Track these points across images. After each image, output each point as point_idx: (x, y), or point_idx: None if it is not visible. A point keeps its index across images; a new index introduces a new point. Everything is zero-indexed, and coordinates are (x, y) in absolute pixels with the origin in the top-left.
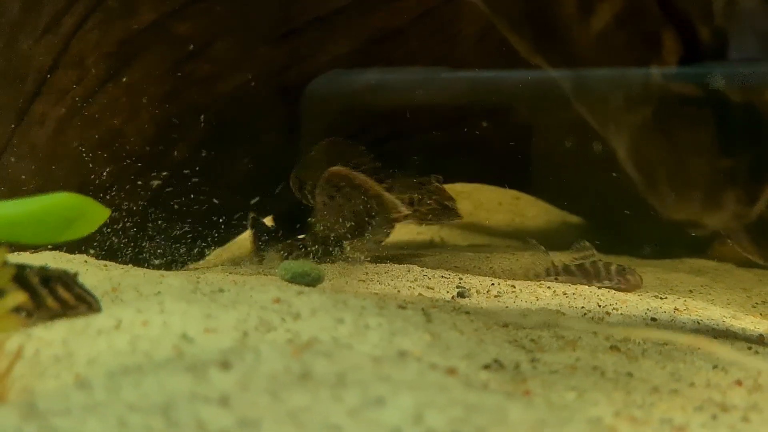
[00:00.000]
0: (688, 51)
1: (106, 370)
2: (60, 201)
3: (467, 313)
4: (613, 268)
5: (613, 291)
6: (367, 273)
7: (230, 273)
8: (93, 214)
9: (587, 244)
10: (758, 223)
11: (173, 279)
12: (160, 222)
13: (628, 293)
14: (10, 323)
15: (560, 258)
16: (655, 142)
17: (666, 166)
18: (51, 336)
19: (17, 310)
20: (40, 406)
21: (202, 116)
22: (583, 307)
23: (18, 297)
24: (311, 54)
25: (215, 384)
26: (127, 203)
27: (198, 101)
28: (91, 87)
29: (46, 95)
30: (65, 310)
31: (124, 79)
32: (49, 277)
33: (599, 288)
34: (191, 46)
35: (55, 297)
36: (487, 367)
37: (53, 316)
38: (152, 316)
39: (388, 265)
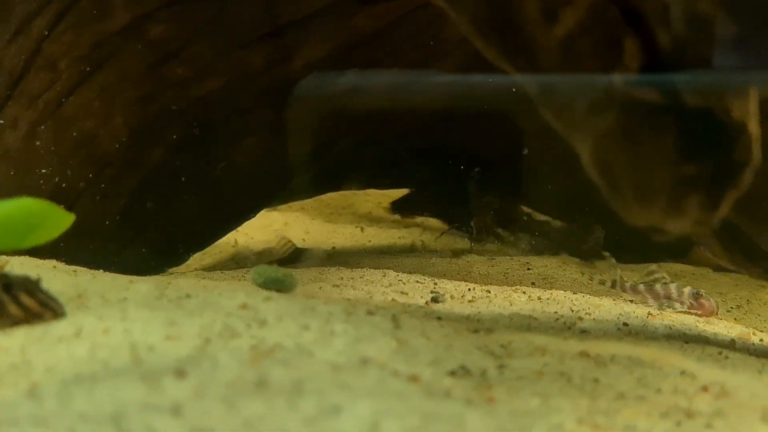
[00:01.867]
0: (649, 58)
1: (60, 379)
2: (22, 206)
3: (439, 318)
4: (686, 291)
5: (587, 296)
6: (342, 278)
7: (203, 278)
8: (56, 219)
9: (657, 267)
10: (727, 229)
11: (141, 285)
12: (136, 226)
13: (603, 298)
14: None
15: (630, 276)
16: (617, 148)
17: (629, 172)
18: (8, 343)
19: None
20: None
21: (178, 120)
22: (555, 312)
23: None
24: (288, 57)
25: (169, 393)
26: (101, 207)
27: (173, 104)
28: (64, 90)
29: (17, 99)
30: (28, 318)
31: (98, 83)
32: (11, 284)
33: (674, 313)
34: (166, 49)
35: (17, 304)
36: (453, 373)
37: (16, 323)
38: (114, 323)
39: (365, 270)
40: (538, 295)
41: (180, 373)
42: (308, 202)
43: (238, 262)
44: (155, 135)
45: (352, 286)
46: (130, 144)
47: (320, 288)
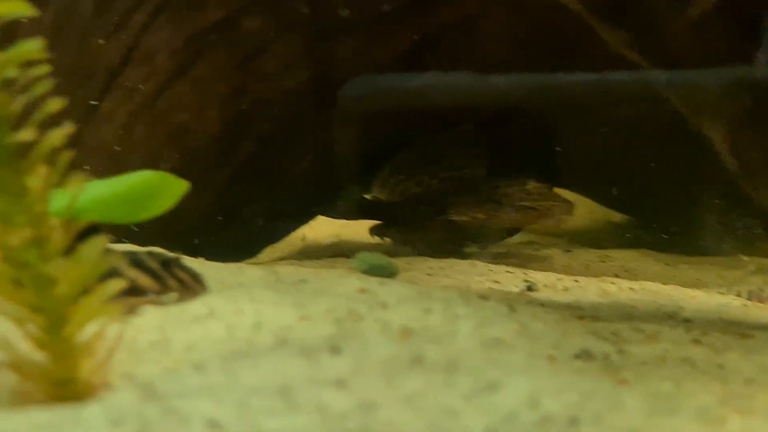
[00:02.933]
0: None
1: (217, 355)
2: (144, 178)
3: (542, 305)
4: None
5: (677, 287)
6: (431, 268)
7: (300, 266)
8: (172, 188)
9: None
10: None
11: (252, 271)
12: (221, 219)
13: (695, 290)
14: (113, 310)
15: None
16: (753, 132)
17: (762, 155)
18: (146, 323)
19: (143, 293)
20: (158, 388)
21: (267, 113)
22: (654, 301)
23: (118, 284)
24: (373, 50)
25: (329, 368)
26: (191, 201)
27: (264, 97)
28: (160, 84)
29: (114, 92)
30: (183, 291)
31: (192, 76)
32: (168, 260)
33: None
34: (258, 42)
35: (175, 278)
36: (577, 356)
37: (176, 296)
38: (244, 304)
39: (451, 260)
40: (628, 285)
41: (335, 349)
42: None
43: (307, 255)
44: (245, 128)
45: (445, 275)
46: (222, 137)
47: (414, 277)
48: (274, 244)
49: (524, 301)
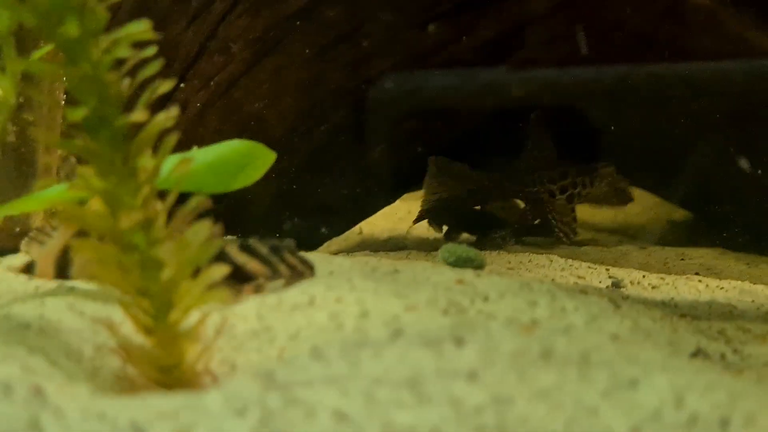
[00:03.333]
0: None
1: (327, 344)
2: (234, 148)
3: (639, 302)
4: None
5: None
6: (509, 262)
7: (380, 258)
8: (261, 158)
9: None
10: None
11: (342, 260)
12: (288, 208)
13: None
14: (219, 295)
15: None
16: None
17: None
18: (245, 311)
19: (254, 278)
20: (278, 377)
21: (344, 102)
22: (753, 301)
23: (221, 270)
24: (457, 39)
25: (456, 360)
26: (261, 188)
27: (341, 86)
28: (236, 73)
29: (190, 81)
30: (293, 275)
31: (270, 65)
32: (278, 246)
33: None
34: (338, 31)
35: (285, 264)
36: (693, 355)
37: (287, 281)
38: (343, 293)
39: (527, 254)
40: (717, 284)
41: (459, 341)
42: None
43: (366, 249)
44: (321, 117)
45: (526, 269)
46: (296, 126)
47: (496, 270)
48: (336, 238)
49: (619, 297)
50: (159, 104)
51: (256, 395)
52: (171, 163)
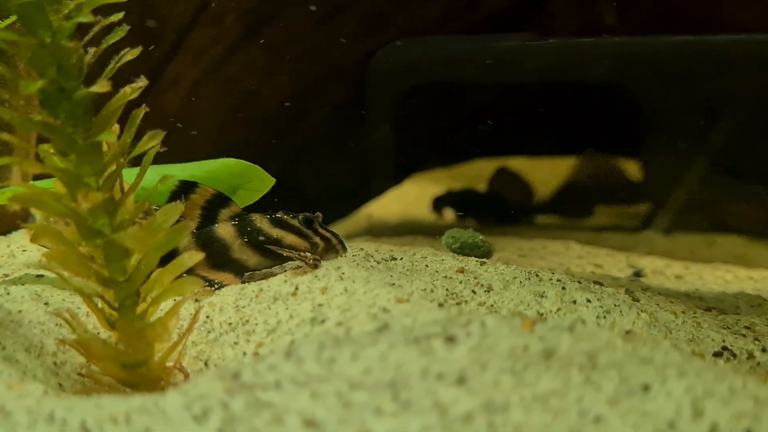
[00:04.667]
0: None
1: (308, 341)
2: (228, 167)
3: (660, 293)
4: None
5: None
6: (521, 248)
7: (378, 243)
8: (258, 182)
9: None
10: None
11: None
12: (286, 190)
13: None
14: (189, 286)
15: None
16: None
17: None
18: (222, 301)
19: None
20: (245, 377)
21: (344, 77)
22: None
23: (195, 257)
24: (469, 8)
25: (445, 360)
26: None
27: (341, 61)
28: (229, 47)
29: (181, 56)
30: (327, 249)
31: (264, 39)
32: (309, 218)
33: None
34: (337, 1)
35: (320, 236)
36: (718, 354)
37: (323, 253)
38: (331, 282)
39: (542, 240)
40: (746, 274)
41: (449, 338)
42: (441, 174)
43: (375, 233)
44: (319, 94)
45: (539, 256)
46: (293, 103)
47: (506, 258)
48: (340, 221)
49: (639, 288)
50: (149, 80)
51: (218, 398)
52: (153, 177)
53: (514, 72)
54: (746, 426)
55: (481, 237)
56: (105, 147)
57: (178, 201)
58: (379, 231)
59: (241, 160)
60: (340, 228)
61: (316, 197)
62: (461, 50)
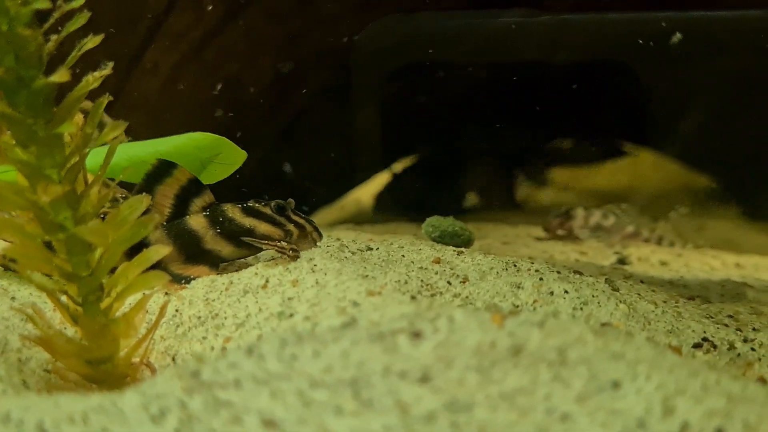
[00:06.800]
0: None
1: (272, 337)
2: (196, 141)
3: (642, 282)
4: None
5: None
6: (506, 235)
7: (359, 231)
8: (229, 155)
9: None
10: None
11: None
12: (270, 176)
13: None
14: (155, 280)
15: None
16: None
17: None
18: (191, 294)
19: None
20: (204, 375)
21: (326, 61)
22: None
23: (162, 250)
24: None
25: (409, 357)
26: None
27: (323, 44)
28: (208, 31)
29: (159, 41)
30: (302, 236)
31: (244, 22)
32: (282, 205)
33: None
34: None
35: (294, 223)
36: (697, 346)
37: (298, 241)
38: (302, 274)
39: (527, 227)
40: (734, 260)
41: (415, 334)
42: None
43: (363, 219)
44: (301, 78)
45: (524, 243)
46: (275, 88)
47: (488, 245)
48: (327, 207)
49: (620, 275)
50: (127, 68)
51: (177, 397)
52: (129, 150)
53: (509, 51)
54: (718, 424)
55: (461, 225)
56: (67, 138)
57: (144, 194)
58: (367, 218)
59: (209, 133)
60: (328, 214)
61: (299, 183)
62: (452, 27)
